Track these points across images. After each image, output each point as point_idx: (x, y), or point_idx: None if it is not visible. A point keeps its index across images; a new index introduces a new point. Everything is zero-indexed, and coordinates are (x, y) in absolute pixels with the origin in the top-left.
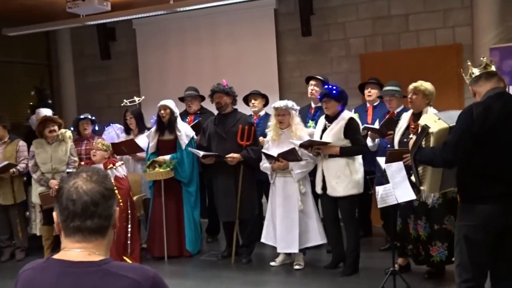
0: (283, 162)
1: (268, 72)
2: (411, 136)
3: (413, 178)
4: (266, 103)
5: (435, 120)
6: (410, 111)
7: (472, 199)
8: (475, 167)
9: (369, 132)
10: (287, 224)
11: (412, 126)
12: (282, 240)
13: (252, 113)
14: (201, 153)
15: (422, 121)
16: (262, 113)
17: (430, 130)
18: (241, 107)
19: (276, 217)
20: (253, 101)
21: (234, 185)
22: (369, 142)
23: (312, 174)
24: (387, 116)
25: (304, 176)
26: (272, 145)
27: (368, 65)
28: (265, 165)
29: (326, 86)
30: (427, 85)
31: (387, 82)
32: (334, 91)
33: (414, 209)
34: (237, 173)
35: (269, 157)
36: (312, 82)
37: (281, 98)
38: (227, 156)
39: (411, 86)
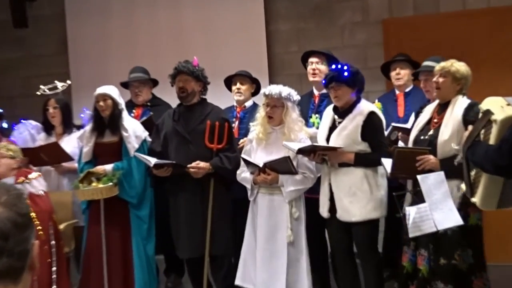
0: (271, 174)
1: (252, 46)
2: (430, 133)
3: (463, 185)
4: (256, 91)
5: (502, 106)
6: (435, 102)
7: None
8: None
9: (400, 134)
10: (271, 262)
11: (435, 120)
12: (263, 284)
13: (235, 103)
14: (152, 161)
15: (484, 105)
16: (249, 103)
17: (493, 117)
18: (214, 98)
19: (256, 250)
20: (238, 85)
21: (201, 208)
22: None
23: (312, 189)
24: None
25: (299, 196)
26: (257, 148)
27: (394, 36)
28: (243, 174)
29: (333, 66)
30: (459, 66)
31: (427, 58)
32: (345, 73)
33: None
34: (206, 190)
35: (251, 165)
36: (312, 59)
37: (271, 82)
38: (189, 166)
39: (437, 67)
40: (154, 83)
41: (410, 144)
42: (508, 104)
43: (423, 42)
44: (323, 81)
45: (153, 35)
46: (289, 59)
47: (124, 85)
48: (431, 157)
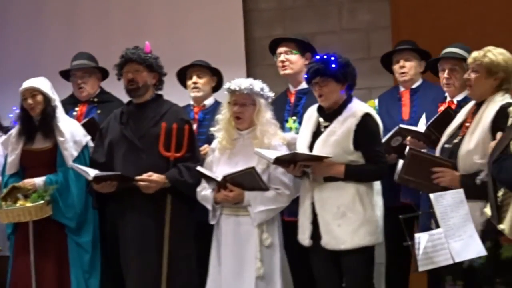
0: (234, 190)
1: (226, 29)
2: (455, 140)
3: (487, 209)
4: (218, 85)
5: None
6: (472, 102)
7: None
8: None
9: (408, 138)
10: None
11: (467, 124)
12: None
13: (192, 102)
14: (91, 173)
15: None
16: (209, 101)
17: None
18: (172, 95)
19: (222, 282)
20: (195, 78)
21: (155, 233)
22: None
23: (291, 210)
24: (440, 108)
25: (272, 218)
26: (220, 158)
27: (405, 18)
28: (204, 192)
29: (317, 57)
30: (496, 55)
31: (449, 45)
32: (332, 64)
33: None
34: (161, 210)
35: (209, 179)
36: (280, 48)
37: (249, 74)
38: (138, 178)
39: (470, 58)
40: (103, 73)
41: (437, 152)
42: None
43: (441, 26)
44: (305, 75)
45: (100, 14)
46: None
47: (65, 75)
48: (451, 171)
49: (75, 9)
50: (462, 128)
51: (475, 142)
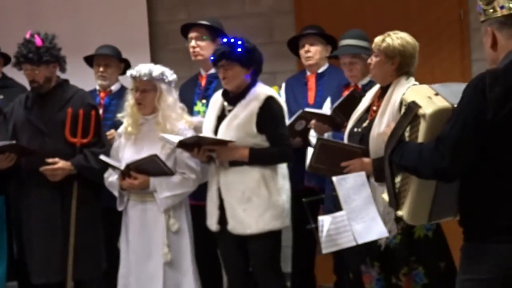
0: (139, 177)
1: (129, 13)
2: (364, 124)
3: (385, 195)
4: (124, 71)
5: (429, 96)
6: (377, 86)
7: (484, 236)
8: (490, 182)
9: (313, 122)
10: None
11: (374, 108)
12: None
13: (98, 87)
14: None
15: (408, 96)
16: (115, 87)
17: (421, 111)
18: (76, 78)
19: (131, 271)
20: (102, 68)
21: (61, 219)
22: (313, 139)
23: (197, 194)
24: (345, 92)
25: (180, 203)
26: (126, 144)
27: (307, 2)
28: (111, 178)
29: (224, 40)
30: (393, 40)
31: (346, 33)
32: (238, 48)
33: (367, 248)
34: (67, 196)
35: (113, 167)
36: (191, 33)
37: (153, 59)
38: (47, 160)
39: (373, 43)
40: (5, 59)
41: (345, 139)
42: (437, 94)
43: (343, 12)
44: (211, 57)
45: None
46: (175, 29)
47: None
48: (361, 160)
49: None
50: (369, 112)
51: (385, 125)
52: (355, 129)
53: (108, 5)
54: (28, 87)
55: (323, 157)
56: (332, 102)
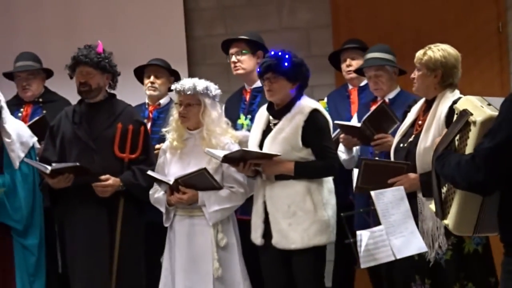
0: (187, 192)
1: (167, 28)
2: (410, 139)
3: (432, 205)
4: None
5: (481, 105)
6: (421, 100)
7: None
8: None
9: (342, 135)
10: None
11: (420, 122)
12: None
13: (147, 101)
14: (48, 167)
15: (460, 105)
16: (164, 100)
17: (472, 118)
18: (121, 94)
19: (176, 285)
20: (152, 78)
21: (106, 234)
22: (342, 154)
23: (244, 208)
24: (373, 106)
25: (227, 217)
26: (173, 159)
27: (345, 16)
28: (156, 195)
29: (272, 52)
30: (434, 52)
31: (371, 47)
32: (285, 62)
33: (417, 266)
34: (113, 211)
35: (161, 183)
36: (232, 49)
37: (191, 74)
38: (99, 182)
39: (415, 58)
40: (48, 73)
41: (391, 156)
42: (489, 104)
43: (380, 25)
44: (258, 69)
45: (38, 13)
46: (213, 44)
47: (8, 75)
48: (408, 176)
49: (13, 9)
50: (415, 127)
51: (431, 139)
52: (401, 145)
53: (146, 20)
54: (71, 101)
55: (369, 177)
56: (359, 119)
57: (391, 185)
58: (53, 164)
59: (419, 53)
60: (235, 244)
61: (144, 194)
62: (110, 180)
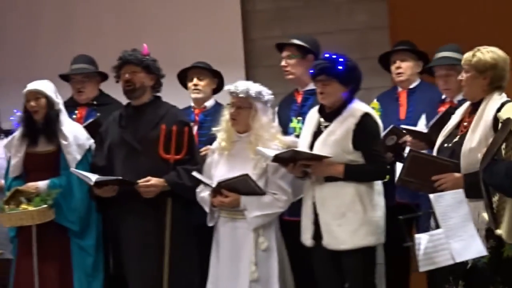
0: (230, 195)
1: (224, 30)
2: (455, 139)
3: (485, 214)
4: (219, 87)
5: None
6: (467, 102)
7: None
8: None
9: (409, 139)
10: None
11: (465, 123)
12: None
13: (193, 104)
14: (92, 178)
15: (503, 113)
16: (210, 103)
17: None
18: (170, 96)
19: (220, 284)
20: (195, 80)
21: (156, 236)
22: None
23: (293, 210)
24: (441, 109)
25: (270, 221)
26: (219, 160)
27: (403, 17)
28: (202, 194)
29: (326, 55)
30: (483, 54)
31: (442, 46)
32: (339, 66)
33: (451, 267)
34: (162, 213)
35: (205, 184)
36: (284, 52)
37: (248, 76)
38: (140, 182)
39: (462, 60)
40: (102, 76)
41: (434, 153)
42: None
43: (438, 26)
44: (311, 70)
45: (95, 16)
46: (270, 46)
47: (64, 77)
48: (453, 175)
49: (71, 11)
50: (460, 128)
51: (477, 140)
52: (445, 145)
53: (203, 22)
54: (125, 103)
55: (413, 171)
56: (427, 119)
57: (434, 181)
58: (98, 177)
59: (468, 55)
60: (275, 248)
61: (189, 193)
62: (153, 181)
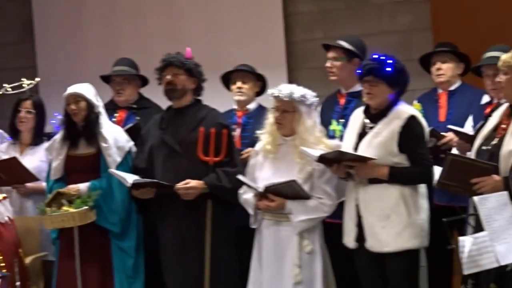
0: (276, 199)
1: (266, 33)
2: (493, 142)
3: None
4: (262, 90)
5: None
6: (505, 105)
7: None
8: None
9: (455, 139)
10: None
11: (503, 126)
12: None
13: (236, 106)
14: (129, 179)
15: None
16: (253, 105)
17: None
18: (212, 100)
19: (263, 286)
20: (239, 83)
21: (197, 238)
22: None
23: (334, 212)
24: (487, 110)
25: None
26: (264, 162)
27: (446, 19)
28: (246, 195)
29: (374, 56)
30: None
31: (490, 47)
32: (388, 67)
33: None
34: (202, 215)
35: (250, 188)
36: (329, 53)
37: (290, 78)
38: (178, 184)
39: (499, 62)
40: (143, 80)
41: (472, 156)
42: None
43: (482, 27)
44: (358, 71)
45: (139, 20)
46: (312, 48)
47: (105, 79)
48: (492, 178)
49: (114, 15)
50: (498, 130)
51: None
52: (483, 147)
53: (245, 25)
54: (163, 107)
55: (453, 174)
56: (474, 121)
57: (473, 184)
58: (135, 178)
59: (505, 57)
60: (319, 250)
61: (229, 196)
62: (192, 183)
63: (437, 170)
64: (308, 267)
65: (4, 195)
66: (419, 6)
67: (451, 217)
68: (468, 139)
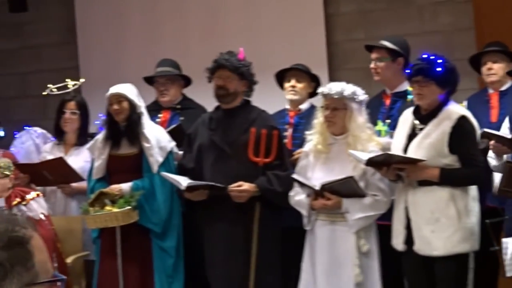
0: (332, 198)
1: (307, 33)
2: None
3: None
4: (315, 91)
5: None
6: None
7: None
8: None
9: (492, 142)
10: None
11: None
12: None
13: (288, 105)
14: (184, 183)
15: None
16: (305, 106)
17: None
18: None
19: None
20: (293, 82)
21: (244, 241)
22: (492, 160)
23: (384, 215)
24: None
25: (369, 224)
26: (315, 163)
27: (488, 19)
28: (298, 197)
29: (423, 55)
30: None
31: None
32: (438, 67)
33: None
34: (249, 218)
35: (305, 187)
36: (373, 54)
37: (331, 78)
38: (231, 186)
39: None
40: (186, 80)
41: None
42: None
43: None
44: (407, 71)
45: (180, 21)
46: (353, 49)
47: (148, 80)
48: None
49: (155, 16)
50: None
51: None
52: None
53: (287, 26)
54: (208, 109)
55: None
56: (511, 121)
57: None
58: (189, 181)
59: None
60: (376, 250)
61: (279, 199)
62: (245, 186)
63: (497, 176)
64: (366, 267)
65: (38, 192)
66: (461, 6)
67: (493, 219)
68: (505, 142)
